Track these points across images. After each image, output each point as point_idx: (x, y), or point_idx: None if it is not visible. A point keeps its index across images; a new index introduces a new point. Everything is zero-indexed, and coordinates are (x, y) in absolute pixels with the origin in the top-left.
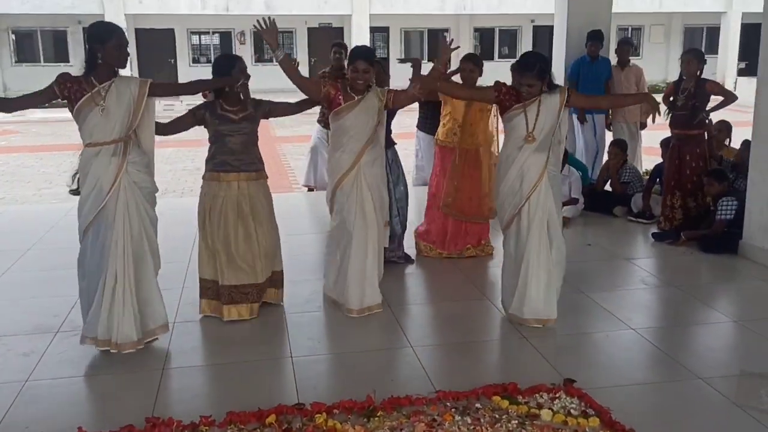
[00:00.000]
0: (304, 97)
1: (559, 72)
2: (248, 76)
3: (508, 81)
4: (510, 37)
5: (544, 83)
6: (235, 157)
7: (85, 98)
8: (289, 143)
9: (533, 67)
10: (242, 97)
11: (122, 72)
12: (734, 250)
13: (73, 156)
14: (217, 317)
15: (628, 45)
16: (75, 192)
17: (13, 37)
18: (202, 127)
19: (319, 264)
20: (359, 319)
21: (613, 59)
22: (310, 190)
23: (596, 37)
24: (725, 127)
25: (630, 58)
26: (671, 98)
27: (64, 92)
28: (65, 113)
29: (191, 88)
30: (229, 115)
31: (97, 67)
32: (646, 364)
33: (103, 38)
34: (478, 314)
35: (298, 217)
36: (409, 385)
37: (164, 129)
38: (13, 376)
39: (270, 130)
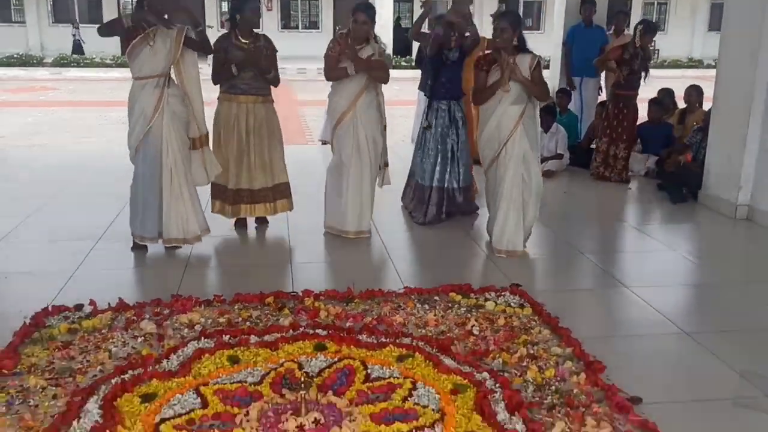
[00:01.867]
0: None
1: (558, 40)
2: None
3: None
4: (536, 8)
5: (515, 34)
6: (245, 82)
7: (140, 37)
8: (310, 107)
9: (507, 15)
10: (254, 31)
11: None
12: (695, 198)
13: (108, 111)
14: (226, 226)
15: (624, 14)
16: None
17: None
18: None
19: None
20: (352, 240)
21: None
22: (325, 144)
23: (588, 1)
24: (695, 92)
25: (624, 27)
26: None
27: (129, 27)
28: (99, 72)
29: (207, 47)
30: (242, 45)
31: (148, 13)
32: (584, 276)
33: None
34: (456, 241)
35: (312, 164)
36: (383, 283)
37: (216, 78)
38: (64, 266)
39: (292, 93)
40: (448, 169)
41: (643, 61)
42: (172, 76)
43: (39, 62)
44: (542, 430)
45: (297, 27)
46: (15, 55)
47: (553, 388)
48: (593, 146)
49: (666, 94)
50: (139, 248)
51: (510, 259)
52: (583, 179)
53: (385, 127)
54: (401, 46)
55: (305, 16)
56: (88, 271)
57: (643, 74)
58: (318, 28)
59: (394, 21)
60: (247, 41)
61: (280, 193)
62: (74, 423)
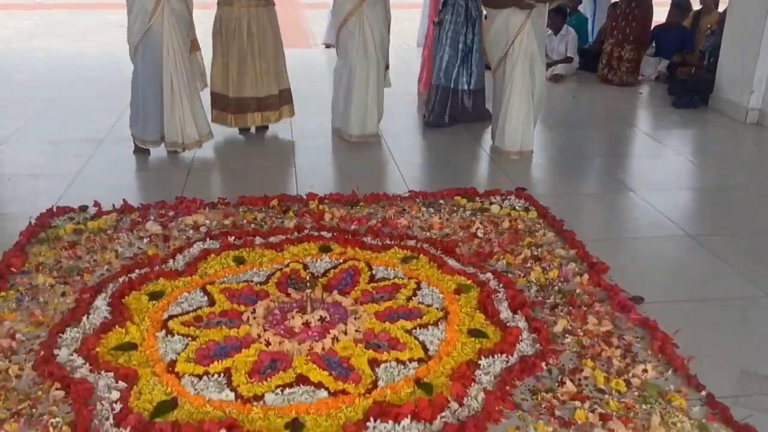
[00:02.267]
0: None
1: None
2: None
3: None
4: None
5: None
6: None
7: None
8: (313, 9)
9: None
10: None
11: None
12: (706, 102)
13: (106, 13)
14: (229, 129)
15: None
16: None
17: None
18: None
19: (328, 105)
20: (356, 144)
21: None
22: (329, 47)
23: None
24: None
25: None
26: None
27: None
28: None
29: None
30: None
31: None
32: (590, 180)
33: None
34: (462, 146)
35: (315, 67)
36: (387, 187)
37: None
38: (67, 169)
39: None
40: (457, 70)
41: None
42: None
43: None
44: (544, 328)
45: None
46: None
47: (556, 288)
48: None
49: None
50: (140, 151)
51: (516, 162)
52: (592, 83)
53: (389, 25)
54: None
55: None
56: (91, 174)
57: None
58: None
59: None
60: None
61: (284, 99)
62: (84, 319)
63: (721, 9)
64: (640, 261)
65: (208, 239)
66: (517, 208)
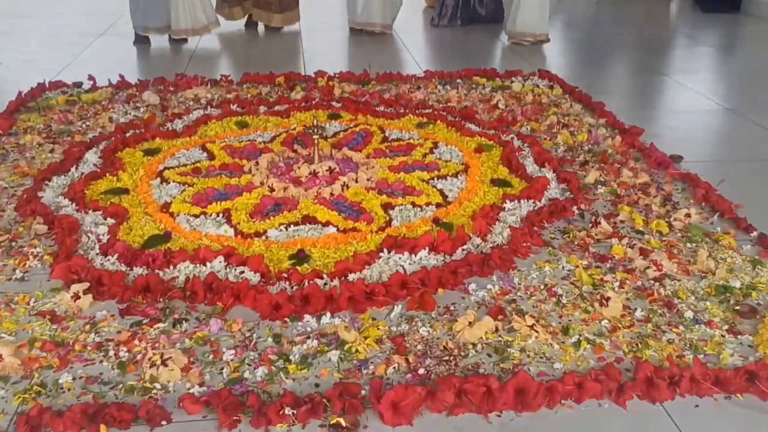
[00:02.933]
0: None
1: None
2: None
3: None
4: None
5: None
6: None
7: None
8: None
9: None
10: None
11: None
12: (737, 7)
13: None
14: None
15: None
16: None
17: None
18: None
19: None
20: (368, 35)
21: None
22: None
23: None
24: None
25: None
26: None
27: None
28: None
29: None
30: None
31: None
32: (618, 65)
33: None
34: (478, 36)
35: None
36: (401, 69)
37: None
38: (64, 57)
39: None
40: None
41: None
42: None
43: None
44: (575, 178)
45: None
46: None
47: (586, 148)
48: None
49: None
50: (141, 42)
51: (535, 49)
52: None
53: None
54: None
55: None
56: (88, 60)
57: None
58: None
59: None
60: None
61: (295, 2)
62: (72, 169)
63: None
64: (677, 129)
65: (209, 107)
66: (540, 86)
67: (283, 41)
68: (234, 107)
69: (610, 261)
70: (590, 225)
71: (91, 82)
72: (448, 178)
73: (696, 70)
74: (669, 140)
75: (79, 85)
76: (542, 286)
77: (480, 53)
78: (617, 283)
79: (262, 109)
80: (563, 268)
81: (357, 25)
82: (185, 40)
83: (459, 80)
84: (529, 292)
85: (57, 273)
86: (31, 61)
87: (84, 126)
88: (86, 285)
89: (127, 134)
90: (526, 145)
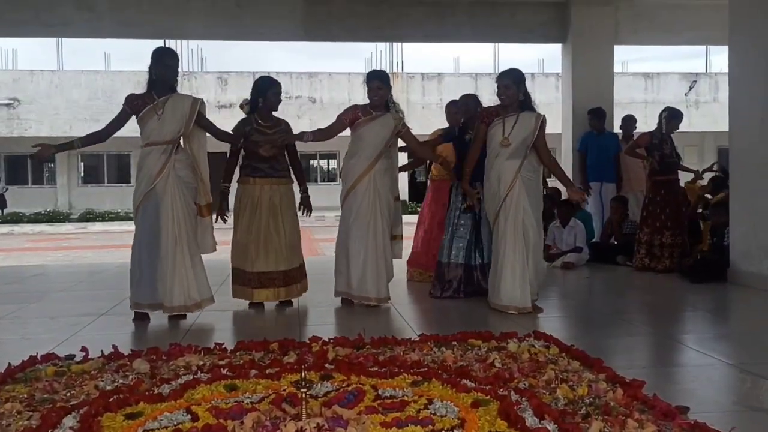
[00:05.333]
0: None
1: (567, 146)
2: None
3: None
4: None
5: (520, 90)
6: (267, 165)
7: (147, 109)
8: (327, 243)
9: (509, 72)
10: (273, 114)
11: None
12: (724, 278)
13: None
14: (236, 303)
15: (631, 120)
16: None
17: (82, 163)
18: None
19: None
20: (363, 309)
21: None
22: None
23: (595, 114)
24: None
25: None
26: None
27: (133, 107)
28: (123, 225)
29: (220, 136)
30: (264, 129)
31: (155, 85)
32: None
33: (151, 66)
34: (470, 303)
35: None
36: (396, 334)
37: (228, 138)
38: (61, 335)
39: (310, 234)
40: (468, 245)
41: (673, 147)
42: (181, 143)
43: (66, 218)
44: (578, 429)
45: (316, 180)
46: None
47: (587, 401)
48: (613, 242)
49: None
50: (140, 318)
51: (526, 315)
52: (605, 270)
53: (397, 197)
54: (417, 196)
55: (324, 169)
56: (85, 336)
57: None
58: (336, 181)
59: (409, 176)
60: (267, 124)
61: (303, 274)
62: None
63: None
64: (680, 383)
65: (199, 372)
66: (536, 345)
67: (282, 312)
68: (224, 371)
69: None
70: None
71: (84, 354)
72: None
73: (693, 331)
74: (672, 393)
75: (71, 357)
76: None
77: (473, 318)
78: None
79: (252, 372)
80: None
81: (351, 297)
82: (184, 316)
83: (455, 343)
84: None
85: None
86: (28, 339)
87: (68, 394)
88: None
89: (110, 399)
90: (524, 399)
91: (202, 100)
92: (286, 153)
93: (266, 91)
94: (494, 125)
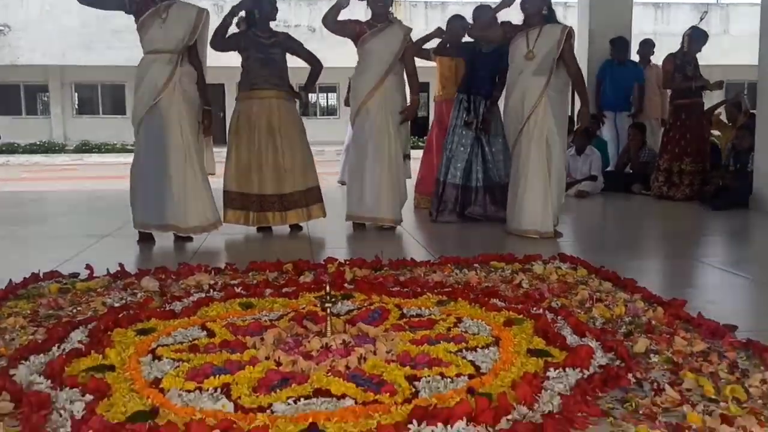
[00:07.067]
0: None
1: (584, 74)
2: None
3: None
4: None
5: (545, 3)
6: (265, 78)
7: (150, 12)
8: (329, 176)
9: None
10: (270, 26)
11: None
12: (746, 204)
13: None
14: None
15: (649, 45)
16: None
17: (76, 94)
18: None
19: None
20: (376, 233)
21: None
22: (344, 184)
23: (618, 44)
24: (737, 107)
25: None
26: (676, 71)
27: (132, 5)
28: (119, 157)
29: (204, 86)
30: (261, 40)
31: None
32: (643, 251)
33: None
34: (484, 229)
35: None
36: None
37: (222, 44)
38: (63, 255)
39: None
40: (467, 165)
41: (697, 69)
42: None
43: (61, 149)
44: (623, 346)
45: (316, 114)
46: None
47: (627, 320)
48: (628, 170)
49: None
50: (145, 240)
51: (547, 240)
52: (621, 199)
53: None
54: (418, 129)
55: (323, 103)
56: (88, 256)
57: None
58: (336, 115)
59: None
60: (265, 36)
61: (313, 198)
62: (54, 348)
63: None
64: (721, 303)
65: (211, 291)
66: (563, 267)
67: (292, 236)
68: (239, 290)
69: (687, 431)
70: (653, 393)
71: (88, 272)
72: (479, 349)
73: (719, 255)
74: (715, 312)
75: (75, 275)
76: None
77: (491, 242)
78: None
79: (268, 291)
80: None
81: (364, 219)
82: (190, 238)
83: (476, 265)
84: None
85: None
86: (27, 257)
87: (74, 311)
88: None
89: (120, 315)
90: (560, 317)
91: (207, 11)
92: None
93: (262, 1)
94: (517, 38)
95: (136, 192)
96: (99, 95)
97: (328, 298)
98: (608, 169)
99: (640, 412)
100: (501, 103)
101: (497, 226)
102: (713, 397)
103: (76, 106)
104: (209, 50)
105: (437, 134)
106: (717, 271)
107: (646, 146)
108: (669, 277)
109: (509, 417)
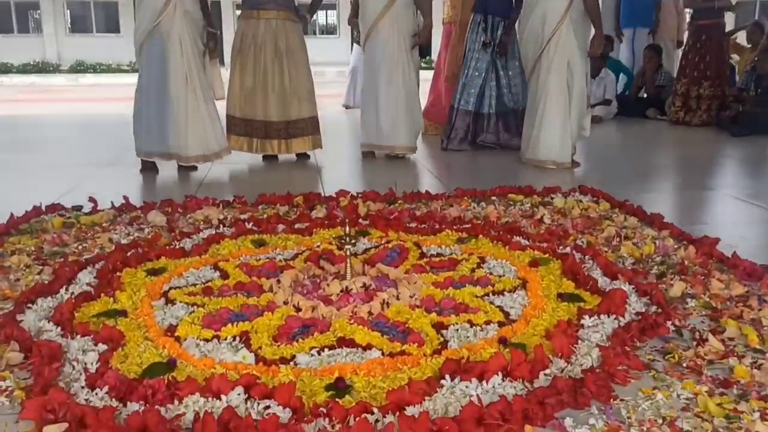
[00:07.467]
0: None
1: None
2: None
3: None
4: None
5: None
6: None
7: None
8: (330, 99)
9: None
10: None
11: None
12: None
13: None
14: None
15: None
16: None
17: (69, 11)
18: None
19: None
20: (386, 162)
21: None
22: (348, 108)
23: None
24: (759, 29)
25: None
26: None
27: None
28: (114, 78)
29: (206, 5)
30: None
31: None
32: (665, 182)
33: None
34: (502, 162)
35: (334, 125)
36: (430, 190)
37: None
38: (64, 185)
39: None
40: (480, 90)
41: None
42: None
43: (56, 69)
44: (658, 290)
45: (315, 33)
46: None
47: (658, 259)
48: (642, 95)
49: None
50: (148, 169)
51: (564, 171)
52: (635, 125)
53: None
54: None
55: (323, 21)
56: (90, 186)
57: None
58: (336, 34)
59: None
60: None
61: (315, 128)
62: (62, 290)
63: None
64: (755, 239)
65: (221, 227)
66: (584, 201)
67: (300, 166)
68: (249, 226)
69: (735, 386)
70: (695, 343)
71: (92, 205)
72: (506, 293)
73: (747, 186)
74: (749, 250)
75: (78, 208)
76: (660, 421)
77: (507, 174)
78: (757, 414)
79: (280, 227)
80: (679, 396)
81: (379, 148)
82: (195, 168)
83: (494, 198)
84: (644, 429)
85: (28, 412)
86: (26, 188)
87: (80, 248)
88: (64, 426)
89: (128, 254)
90: (588, 257)
91: None
92: None
93: None
94: None
95: (140, 118)
96: (92, 12)
97: (348, 239)
98: (622, 92)
99: (684, 365)
100: (517, 26)
101: (510, 154)
102: (758, 347)
103: (69, 25)
104: None
105: (445, 58)
106: (744, 204)
107: (662, 69)
108: (693, 211)
109: (546, 372)
